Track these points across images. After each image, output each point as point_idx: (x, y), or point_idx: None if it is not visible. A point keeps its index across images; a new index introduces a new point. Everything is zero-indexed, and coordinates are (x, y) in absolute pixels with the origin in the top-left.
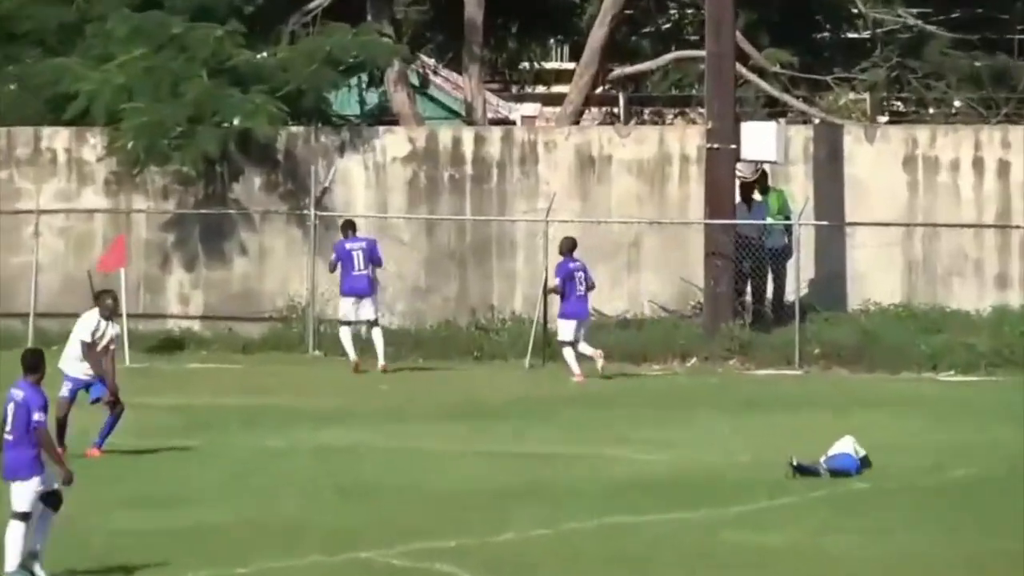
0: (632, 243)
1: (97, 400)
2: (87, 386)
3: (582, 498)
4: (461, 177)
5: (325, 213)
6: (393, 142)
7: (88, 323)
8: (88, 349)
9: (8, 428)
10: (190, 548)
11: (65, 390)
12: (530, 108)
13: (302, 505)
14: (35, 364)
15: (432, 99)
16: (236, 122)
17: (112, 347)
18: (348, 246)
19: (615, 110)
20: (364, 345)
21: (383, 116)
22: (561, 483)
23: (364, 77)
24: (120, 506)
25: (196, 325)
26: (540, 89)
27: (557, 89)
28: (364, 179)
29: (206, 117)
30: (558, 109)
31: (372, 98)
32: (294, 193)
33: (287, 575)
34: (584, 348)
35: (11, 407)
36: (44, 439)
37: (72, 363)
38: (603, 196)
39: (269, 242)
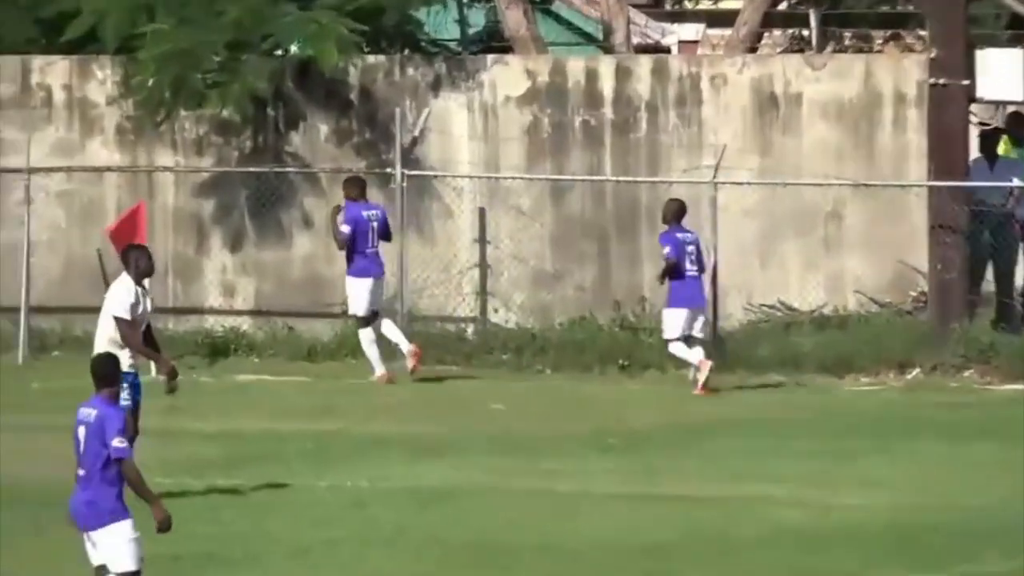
0: (831, 213)
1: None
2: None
3: (766, 553)
4: (598, 124)
5: (416, 172)
6: (506, 76)
7: (124, 294)
8: (129, 329)
9: (80, 460)
10: None
11: (124, 393)
12: (690, 31)
13: (391, 566)
14: (110, 373)
15: (558, 19)
16: (294, 49)
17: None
18: (365, 213)
19: (805, 33)
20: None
21: (492, 42)
22: (737, 535)
23: None
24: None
25: (244, 323)
26: (704, 5)
27: (726, 5)
28: (467, 126)
29: (254, 43)
30: (728, 32)
31: (477, 17)
32: (373, 145)
33: None
34: (681, 350)
35: (82, 431)
36: (131, 471)
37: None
38: (790, 150)
39: None
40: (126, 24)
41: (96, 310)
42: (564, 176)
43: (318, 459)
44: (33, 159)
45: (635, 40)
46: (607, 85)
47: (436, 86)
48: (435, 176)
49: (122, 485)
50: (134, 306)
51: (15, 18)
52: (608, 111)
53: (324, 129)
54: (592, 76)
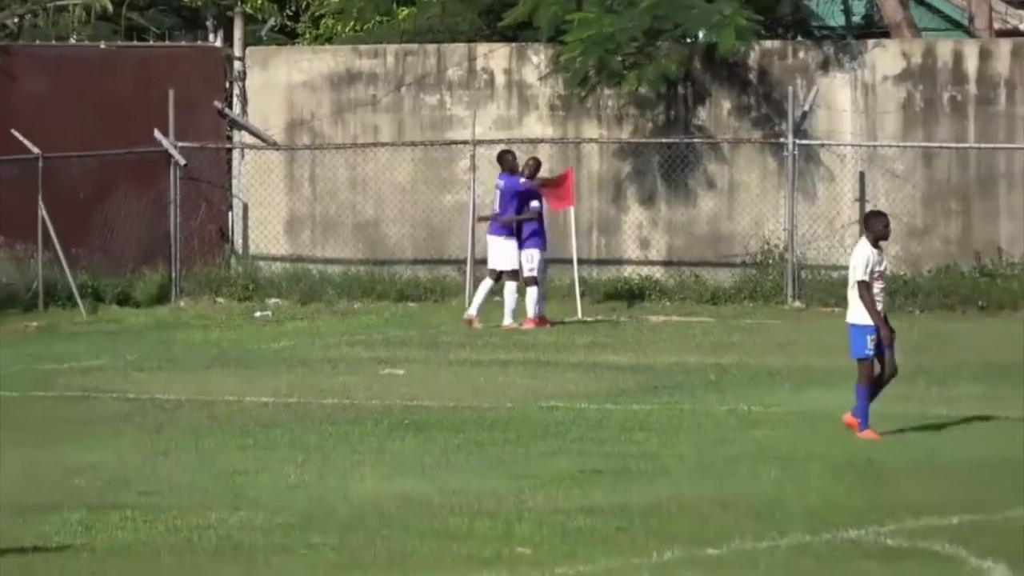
0: None
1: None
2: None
3: None
4: (964, 98)
5: (805, 141)
6: (884, 58)
7: (859, 257)
8: (865, 290)
9: None
10: (651, 527)
11: (870, 344)
12: None
13: (781, 479)
14: None
15: (929, 7)
16: (701, 36)
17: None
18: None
19: None
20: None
21: (872, 28)
22: None
23: None
24: (564, 481)
25: (657, 272)
26: None
27: None
28: (850, 101)
29: (666, 30)
30: None
31: (859, 7)
32: (768, 118)
33: (764, 556)
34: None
35: None
36: None
37: (857, 309)
38: None
39: (740, 176)
40: (558, 13)
41: None
42: (933, 143)
43: (719, 387)
44: (477, 132)
45: (996, 25)
46: (971, 65)
47: (824, 67)
48: (822, 145)
49: None
50: (867, 266)
51: (462, 11)
52: (972, 87)
53: (726, 105)
54: (959, 57)
